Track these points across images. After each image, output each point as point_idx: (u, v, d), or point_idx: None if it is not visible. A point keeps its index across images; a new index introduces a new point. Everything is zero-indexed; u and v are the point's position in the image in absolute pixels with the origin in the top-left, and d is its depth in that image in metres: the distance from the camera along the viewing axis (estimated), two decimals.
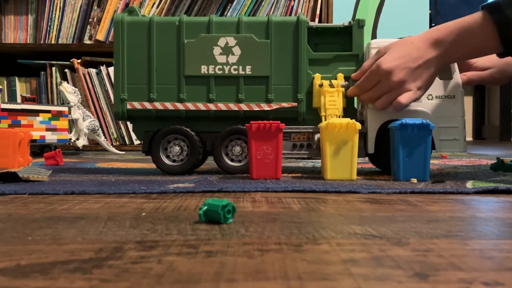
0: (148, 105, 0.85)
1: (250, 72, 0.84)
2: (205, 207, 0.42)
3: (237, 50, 0.84)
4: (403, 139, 0.72)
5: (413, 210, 0.49)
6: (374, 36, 2.11)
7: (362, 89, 0.79)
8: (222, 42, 0.84)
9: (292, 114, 0.85)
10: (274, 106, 0.84)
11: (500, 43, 0.70)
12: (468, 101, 3.57)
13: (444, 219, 0.44)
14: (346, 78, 0.84)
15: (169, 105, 0.85)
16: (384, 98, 0.77)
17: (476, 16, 0.71)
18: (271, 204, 0.53)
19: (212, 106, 0.85)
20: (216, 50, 0.84)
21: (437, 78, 0.81)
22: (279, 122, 0.75)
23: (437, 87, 0.81)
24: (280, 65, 0.84)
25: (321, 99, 0.82)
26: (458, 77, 0.81)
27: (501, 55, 0.74)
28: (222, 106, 0.85)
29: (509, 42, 0.70)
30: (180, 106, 0.85)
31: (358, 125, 0.73)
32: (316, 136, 0.81)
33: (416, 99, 0.77)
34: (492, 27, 0.70)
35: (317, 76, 0.84)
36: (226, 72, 0.84)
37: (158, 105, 0.85)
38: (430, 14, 2.41)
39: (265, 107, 0.84)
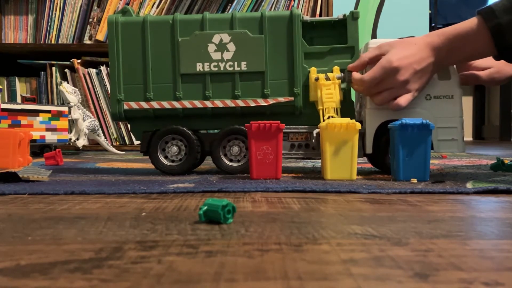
0: (145, 105, 0.85)
1: (245, 68, 0.84)
2: (205, 207, 0.42)
3: (231, 47, 0.84)
4: (403, 139, 0.72)
5: (413, 210, 0.49)
6: (374, 36, 2.11)
7: (368, 82, 0.78)
8: (216, 39, 0.84)
9: (289, 108, 0.85)
10: (271, 101, 0.84)
11: (495, 49, 0.72)
12: (468, 101, 3.57)
13: (444, 219, 0.44)
14: (342, 71, 0.84)
15: (166, 104, 0.85)
16: (384, 94, 0.77)
17: (472, 23, 0.72)
18: (271, 204, 0.53)
19: (208, 103, 0.85)
20: (211, 47, 0.84)
21: (435, 78, 0.81)
22: (279, 122, 0.75)
23: (435, 87, 0.81)
24: (276, 60, 0.84)
25: (318, 92, 0.82)
26: (456, 77, 0.81)
27: (497, 58, 0.75)
28: (218, 103, 0.85)
29: (504, 49, 0.71)
30: (177, 104, 0.85)
31: (358, 125, 0.73)
32: (315, 132, 0.81)
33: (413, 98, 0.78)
34: (487, 34, 0.71)
35: (313, 70, 0.84)
36: (222, 68, 0.84)
37: (155, 104, 0.85)
38: (430, 14, 2.41)
39: (262, 102, 0.84)
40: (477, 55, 0.76)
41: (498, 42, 0.70)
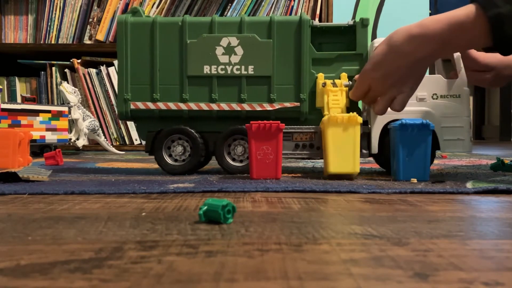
0: (151, 105, 0.85)
1: (252, 72, 0.84)
2: (205, 207, 0.42)
3: (239, 50, 0.84)
4: (403, 139, 0.72)
5: (413, 210, 0.49)
6: (374, 35, 2.11)
7: (356, 96, 0.78)
8: (224, 42, 0.84)
9: (295, 114, 0.85)
10: (277, 106, 0.84)
11: (491, 40, 0.67)
12: None
13: (444, 219, 0.44)
14: (350, 78, 0.83)
15: (172, 105, 0.85)
16: (380, 103, 0.75)
17: (468, 11, 0.67)
18: (271, 204, 0.53)
19: (214, 106, 0.85)
20: (219, 50, 0.84)
21: (441, 77, 0.81)
22: (279, 122, 0.75)
23: (442, 86, 0.80)
24: (283, 65, 0.84)
25: (324, 98, 0.82)
26: (463, 76, 0.81)
27: (489, 50, 0.72)
28: (224, 106, 0.85)
29: (501, 41, 0.66)
30: (183, 106, 0.85)
31: (360, 118, 0.73)
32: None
33: (409, 97, 0.75)
34: (485, 24, 0.66)
35: (321, 76, 0.84)
36: (229, 72, 0.84)
37: (161, 105, 0.85)
38: (430, 14, 2.42)
39: (268, 107, 0.84)
40: (471, 46, 0.72)
41: (497, 33, 0.65)
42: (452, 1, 3.20)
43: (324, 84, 0.82)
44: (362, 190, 0.62)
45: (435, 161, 1.15)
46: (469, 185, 0.66)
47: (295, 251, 0.33)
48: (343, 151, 0.73)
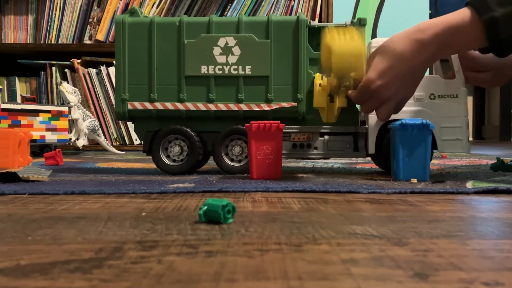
0: (148, 105, 0.85)
1: (250, 72, 0.84)
2: (205, 207, 0.42)
3: (236, 50, 0.84)
4: (403, 139, 0.72)
5: (413, 210, 0.49)
6: (374, 35, 2.11)
7: (358, 102, 0.78)
8: (222, 42, 0.84)
9: (292, 114, 0.85)
10: (274, 106, 0.84)
11: (487, 43, 0.68)
12: (468, 101, 3.57)
13: (444, 219, 0.44)
14: None
15: (169, 105, 0.85)
16: (385, 110, 0.75)
17: (463, 15, 0.69)
18: (271, 204, 0.53)
19: (212, 106, 0.85)
20: (216, 50, 0.84)
21: (439, 76, 0.81)
22: (279, 122, 0.75)
23: (439, 86, 0.80)
24: (280, 65, 0.84)
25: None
26: (461, 76, 0.81)
27: (484, 51, 0.73)
28: (222, 106, 0.85)
29: (496, 44, 0.68)
30: (180, 106, 0.85)
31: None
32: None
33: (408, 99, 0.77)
34: (481, 28, 0.67)
35: (318, 76, 0.84)
36: (226, 72, 0.84)
37: (158, 105, 0.85)
38: (430, 14, 2.42)
39: (265, 107, 0.84)
40: (467, 47, 0.74)
41: (492, 36, 0.67)
42: (452, 1, 3.20)
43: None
44: (362, 190, 0.62)
45: (435, 161, 1.15)
46: (469, 185, 0.66)
47: (295, 251, 0.33)
48: (348, 53, 0.71)
